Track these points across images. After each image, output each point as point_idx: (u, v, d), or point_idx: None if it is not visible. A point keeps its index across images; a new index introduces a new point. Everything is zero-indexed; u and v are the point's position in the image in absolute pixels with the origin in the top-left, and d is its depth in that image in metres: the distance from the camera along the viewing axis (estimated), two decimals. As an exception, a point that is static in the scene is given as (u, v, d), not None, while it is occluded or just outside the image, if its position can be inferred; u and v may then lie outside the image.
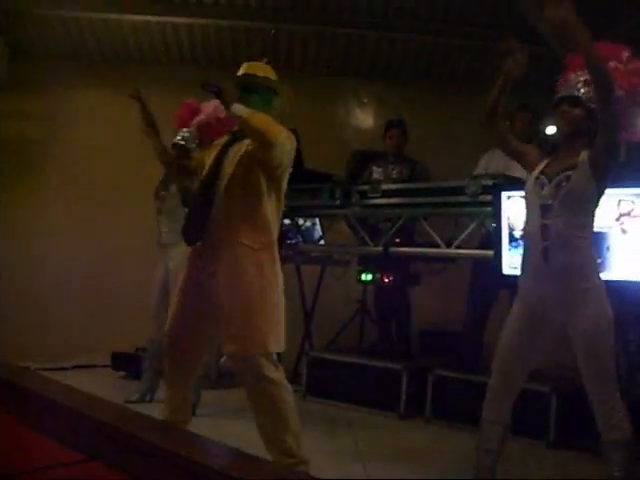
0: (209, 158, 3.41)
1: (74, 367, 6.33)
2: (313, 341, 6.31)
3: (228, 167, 3.27)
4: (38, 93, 7.73)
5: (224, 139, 3.47)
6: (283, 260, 5.88)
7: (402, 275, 5.72)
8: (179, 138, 5.01)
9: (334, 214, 5.74)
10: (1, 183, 7.41)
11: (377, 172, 5.88)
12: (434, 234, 5.05)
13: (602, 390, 2.96)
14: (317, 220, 6.22)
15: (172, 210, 5.09)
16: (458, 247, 4.93)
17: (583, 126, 3.04)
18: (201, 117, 4.67)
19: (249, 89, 3.35)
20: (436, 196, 5.07)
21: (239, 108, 3.19)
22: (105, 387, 5.33)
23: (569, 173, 2.96)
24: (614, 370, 2.99)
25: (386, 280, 5.57)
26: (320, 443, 4.19)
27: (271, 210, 3.29)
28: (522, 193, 3.26)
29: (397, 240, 5.31)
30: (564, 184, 2.96)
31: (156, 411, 3.43)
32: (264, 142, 3.16)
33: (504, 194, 4.38)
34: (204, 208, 3.27)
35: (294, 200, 5.43)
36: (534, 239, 3.03)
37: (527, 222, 3.14)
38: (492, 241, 4.64)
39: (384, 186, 5.33)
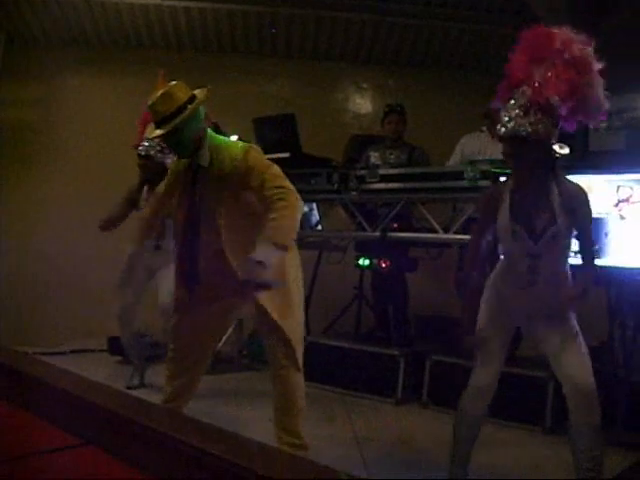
0: (176, 196, 3.34)
1: (71, 352, 6.33)
2: (310, 327, 6.31)
3: (212, 205, 3.18)
4: (35, 79, 7.70)
5: (179, 170, 3.35)
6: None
7: (399, 260, 5.71)
8: (141, 149, 4.90)
9: (331, 199, 5.72)
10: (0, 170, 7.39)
11: (374, 157, 5.87)
12: (432, 219, 5.04)
13: (589, 375, 2.94)
14: (314, 205, 6.20)
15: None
16: (456, 232, 4.92)
17: (535, 162, 2.86)
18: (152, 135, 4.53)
19: (174, 133, 3.12)
20: (434, 181, 5.06)
21: (266, 253, 2.99)
22: (101, 371, 5.34)
23: (555, 230, 2.86)
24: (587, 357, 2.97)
25: (383, 265, 5.56)
26: (317, 428, 4.19)
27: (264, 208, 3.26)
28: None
29: (395, 225, 5.31)
30: (554, 240, 2.88)
31: (152, 395, 3.45)
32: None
33: (502, 179, 4.36)
34: (196, 252, 3.26)
35: (291, 185, 5.40)
36: (522, 273, 2.98)
37: (508, 254, 3.06)
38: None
39: (382, 171, 5.31)
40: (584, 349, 2.95)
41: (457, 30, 7.51)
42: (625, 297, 4.59)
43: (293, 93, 7.49)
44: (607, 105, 2.90)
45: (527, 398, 4.45)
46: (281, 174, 3.20)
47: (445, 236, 4.99)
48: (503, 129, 2.82)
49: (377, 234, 5.23)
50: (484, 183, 4.58)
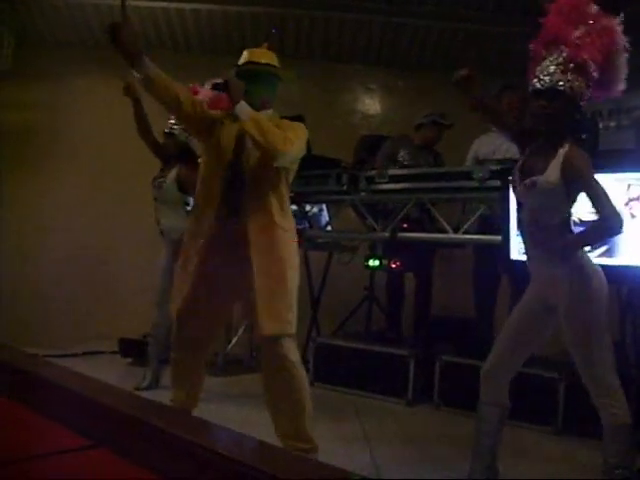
0: (225, 137, 3.35)
1: (82, 354, 6.35)
2: (320, 327, 6.31)
3: (252, 151, 3.25)
4: (44, 81, 7.71)
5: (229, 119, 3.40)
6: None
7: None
8: (168, 129, 5.15)
9: (341, 200, 5.73)
10: (8, 170, 7.41)
11: (404, 155, 5.80)
12: (441, 219, 5.03)
13: (609, 372, 2.91)
14: (324, 206, 6.20)
15: (170, 199, 5.13)
16: (466, 232, 4.91)
17: (563, 121, 2.89)
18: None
19: (253, 78, 3.31)
20: (443, 181, 5.05)
21: (243, 111, 3.15)
22: (112, 373, 5.35)
23: (536, 179, 2.87)
24: (608, 353, 2.90)
25: (393, 266, 5.56)
26: (327, 429, 4.19)
27: (287, 194, 3.37)
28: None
29: (405, 225, 5.30)
30: (533, 189, 2.89)
31: (163, 397, 3.44)
32: (266, 154, 3.17)
33: (512, 179, 4.36)
34: (238, 190, 3.27)
35: (301, 186, 5.42)
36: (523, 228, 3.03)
37: (518, 210, 3.10)
38: (489, 225, 4.67)
39: (391, 171, 5.30)
40: (603, 336, 2.89)
41: (466, 31, 7.49)
42: (637, 296, 4.57)
43: (302, 95, 7.49)
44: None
45: (538, 398, 4.44)
46: (299, 137, 3.29)
47: (455, 236, 4.98)
48: (541, 82, 2.86)
49: (386, 234, 5.23)
50: (493, 183, 4.57)
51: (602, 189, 2.86)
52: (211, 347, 3.65)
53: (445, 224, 5.00)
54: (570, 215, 3.00)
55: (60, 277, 7.26)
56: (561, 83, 2.80)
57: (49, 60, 7.63)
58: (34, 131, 7.63)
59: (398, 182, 5.23)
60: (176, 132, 5.12)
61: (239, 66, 3.39)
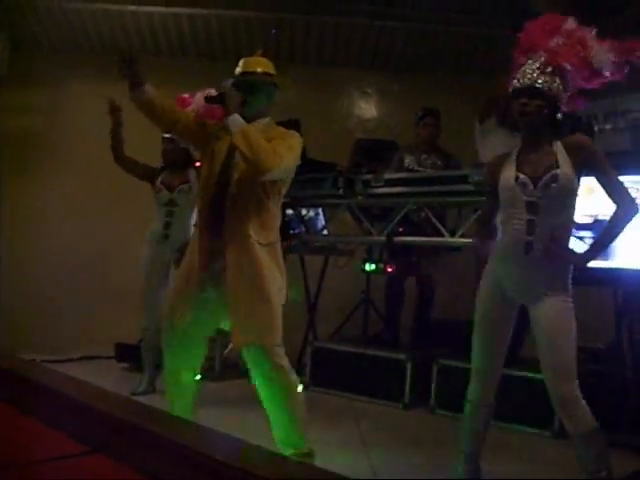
0: (217, 150, 3.34)
1: (78, 359, 6.34)
2: (317, 331, 6.31)
3: (240, 164, 3.23)
4: (40, 86, 7.71)
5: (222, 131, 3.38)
6: (286, 251, 5.89)
7: (406, 265, 5.73)
8: (168, 134, 5.00)
9: (337, 204, 5.73)
10: (5, 174, 7.40)
11: (409, 160, 5.83)
12: (438, 223, 5.04)
13: (563, 382, 2.92)
14: (320, 210, 6.20)
15: (183, 206, 5.21)
16: (462, 236, 4.92)
17: (546, 118, 2.97)
18: (191, 107, 4.60)
19: (250, 88, 3.31)
20: (439, 185, 5.06)
21: (234, 123, 3.12)
22: (108, 379, 5.34)
23: (556, 172, 2.90)
24: (574, 362, 2.92)
25: (389, 270, 5.56)
26: (324, 433, 4.19)
27: (275, 206, 3.32)
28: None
29: (400, 229, 5.30)
30: (553, 185, 2.90)
31: (159, 402, 3.44)
32: (254, 169, 3.13)
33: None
34: (221, 203, 3.25)
35: (297, 190, 5.42)
36: (517, 233, 2.98)
37: (508, 215, 3.05)
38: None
39: (387, 175, 5.31)
40: (569, 341, 2.92)
41: (461, 34, 7.50)
42: (632, 298, 4.58)
43: (298, 99, 7.49)
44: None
45: (535, 401, 4.44)
46: (291, 149, 3.23)
47: (452, 240, 4.99)
48: (520, 81, 2.97)
49: (383, 238, 5.24)
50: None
51: (615, 174, 2.96)
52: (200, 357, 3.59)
53: (441, 227, 5.00)
54: (573, 217, 3.04)
55: (57, 282, 7.24)
56: (540, 81, 2.91)
57: (45, 65, 7.63)
58: (30, 136, 7.62)
59: (394, 186, 5.24)
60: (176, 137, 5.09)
61: (236, 77, 3.37)
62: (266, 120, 3.38)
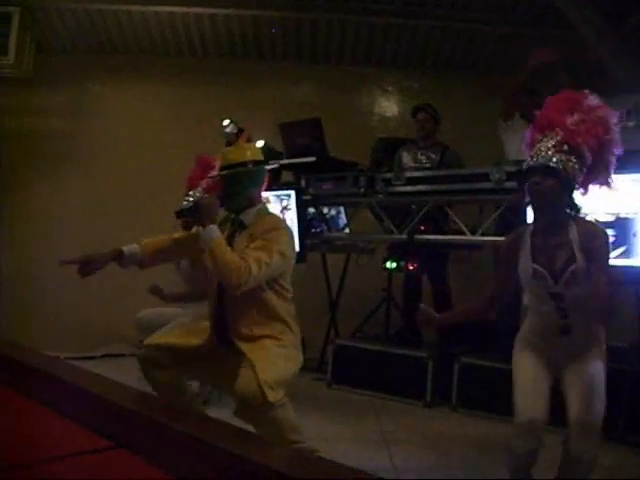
0: None
1: (102, 356, 6.39)
2: (339, 329, 6.32)
3: None
4: (63, 87, 7.77)
5: (225, 218, 3.37)
6: (309, 248, 5.90)
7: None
8: (182, 205, 4.64)
9: (358, 202, 5.74)
10: (23, 175, 7.49)
11: (406, 157, 5.88)
12: (459, 221, 5.04)
13: (593, 446, 2.78)
14: (342, 208, 6.21)
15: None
16: (483, 234, 4.91)
17: (558, 197, 2.86)
18: (212, 174, 4.42)
19: (233, 181, 3.25)
20: (460, 183, 5.05)
21: (204, 239, 3.05)
22: (133, 375, 5.37)
23: (574, 268, 2.82)
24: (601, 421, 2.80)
25: (410, 268, 5.55)
26: (345, 431, 4.20)
27: (279, 297, 3.22)
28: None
29: (422, 228, 5.30)
30: (574, 280, 2.82)
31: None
32: (225, 287, 3.09)
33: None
34: (222, 306, 3.23)
35: (319, 189, 5.44)
36: (550, 316, 2.93)
37: (534, 298, 3.00)
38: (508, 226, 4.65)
39: (408, 173, 5.31)
40: (601, 400, 2.82)
41: (482, 32, 7.47)
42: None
43: (319, 98, 7.50)
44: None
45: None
46: (277, 251, 3.09)
47: (473, 238, 4.98)
48: (534, 159, 2.86)
49: (404, 237, 5.24)
50: (510, 185, 4.56)
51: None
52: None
53: (462, 225, 5.00)
54: None
55: (81, 281, 7.29)
56: (554, 160, 2.81)
57: (68, 67, 7.68)
58: (52, 137, 7.69)
59: (415, 184, 5.24)
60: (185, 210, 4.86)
61: (219, 171, 3.33)
62: (255, 210, 3.28)
